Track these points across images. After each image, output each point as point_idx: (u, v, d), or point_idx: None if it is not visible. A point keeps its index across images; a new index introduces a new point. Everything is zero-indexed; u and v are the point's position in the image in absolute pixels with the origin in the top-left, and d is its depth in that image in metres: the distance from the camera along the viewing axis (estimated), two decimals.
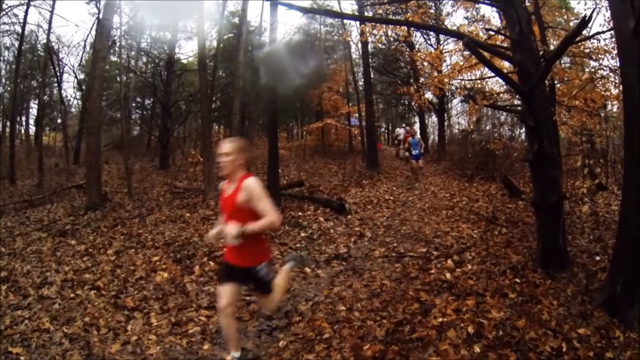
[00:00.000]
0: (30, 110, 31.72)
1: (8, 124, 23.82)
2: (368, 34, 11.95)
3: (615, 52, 8.33)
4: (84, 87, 24.68)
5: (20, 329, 4.34)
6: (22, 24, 19.50)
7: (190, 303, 4.92)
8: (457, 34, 8.64)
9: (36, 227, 9.67)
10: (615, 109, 13.84)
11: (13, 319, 4.60)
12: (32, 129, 31.08)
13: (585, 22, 3.68)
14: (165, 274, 5.88)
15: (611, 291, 3.95)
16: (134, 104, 27.24)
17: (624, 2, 3.95)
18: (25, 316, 4.66)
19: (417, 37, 23.72)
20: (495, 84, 16.13)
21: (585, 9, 13.58)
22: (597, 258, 5.49)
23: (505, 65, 10.39)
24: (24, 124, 32.47)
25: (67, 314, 4.66)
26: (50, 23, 19.86)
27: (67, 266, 6.50)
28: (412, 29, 18.60)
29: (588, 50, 10.30)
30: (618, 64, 6.71)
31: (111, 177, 17.95)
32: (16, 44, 21.77)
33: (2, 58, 26.37)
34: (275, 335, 4.08)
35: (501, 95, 14.58)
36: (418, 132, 19.42)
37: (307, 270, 5.88)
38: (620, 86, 8.79)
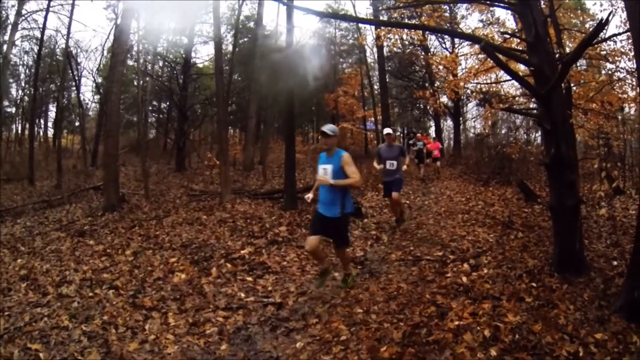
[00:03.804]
0: (49, 113, 32.25)
1: (27, 126, 24.30)
2: (383, 38, 11.95)
3: (632, 54, 8.26)
4: (101, 91, 25.04)
5: (39, 326, 4.40)
6: (41, 29, 19.95)
7: (207, 304, 4.96)
8: (473, 38, 8.64)
9: (55, 227, 9.83)
10: (632, 112, 13.68)
11: (32, 316, 4.68)
12: (51, 132, 31.62)
13: (602, 24, 3.66)
14: (183, 275, 5.93)
15: (629, 296, 3.91)
16: (150, 108, 27.54)
17: None
18: (44, 313, 4.73)
19: (432, 40, 23.74)
20: (511, 87, 16.10)
21: (601, 10, 13.50)
22: (615, 263, 5.44)
23: (520, 68, 10.35)
24: (42, 126, 33.08)
25: (86, 313, 4.72)
26: (68, 28, 20.28)
27: (86, 266, 6.60)
28: (428, 32, 18.58)
29: (604, 52, 10.22)
30: (635, 66, 6.66)
31: (128, 179, 18.16)
32: (35, 48, 22.29)
33: (22, 62, 26.90)
34: (292, 337, 4.10)
35: (517, 98, 14.49)
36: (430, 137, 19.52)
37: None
38: (638, 88, 8.72)
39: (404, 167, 8.51)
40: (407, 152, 9.25)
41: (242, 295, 5.23)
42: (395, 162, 8.25)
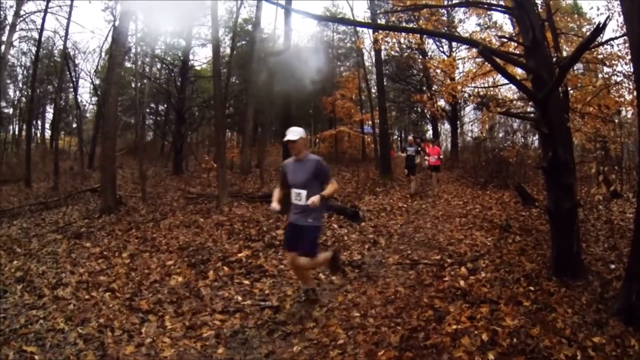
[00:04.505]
0: (47, 114, 32.26)
1: (25, 127, 24.28)
2: (381, 42, 11.96)
3: (629, 57, 8.28)
4: (99, 92, 25.01)
5: (35, 328, 4.37)
6: (39, 30, 19.93)
7: (204, 307, 4.94)
8: (470, 42, 8.64)
9: (51, 229, 9.79)
10: (629, 115, 13.73)
11: (28, 318, 4.65)
12: (48, 133, 31.63)
13: (599, 29, 3.67)
14: (180, 278, 5.90)
15: (626, 300, 3.91)
16: (148, 110, 27.52)
17: (637, 7, 3.93)
18: (40, 316, 4.70)
19: (430, 44, 23.84)
20: (508, 91, 16.12)
21: (598, 14, 13.55)
22: (612, 266, 5.44)
23: (518, 72, 10.37)
24: (40, 127, 33.06)
25: (82, 315, 4.69)
26: (66, 29, 20.23)
27: (82, 268, 6.56)
28: (425, 36, 18.64)
29: (601, 56, 10.24)
30: (632, 70, 6.67)
31: (125, 181, 18.13)
32: (33, 49, 22.27)
33: (19, 63, 26.90)
34: (289, 341, 4.08)
35: (514, 102, 14.52)
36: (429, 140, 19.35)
37: (321, 276, 5.90)
38: (635, 92, 8.76)
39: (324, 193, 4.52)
40: (328, 172, 4.73)
41: (239, 298, 5.21)
42: (303, 192, 4.58)
